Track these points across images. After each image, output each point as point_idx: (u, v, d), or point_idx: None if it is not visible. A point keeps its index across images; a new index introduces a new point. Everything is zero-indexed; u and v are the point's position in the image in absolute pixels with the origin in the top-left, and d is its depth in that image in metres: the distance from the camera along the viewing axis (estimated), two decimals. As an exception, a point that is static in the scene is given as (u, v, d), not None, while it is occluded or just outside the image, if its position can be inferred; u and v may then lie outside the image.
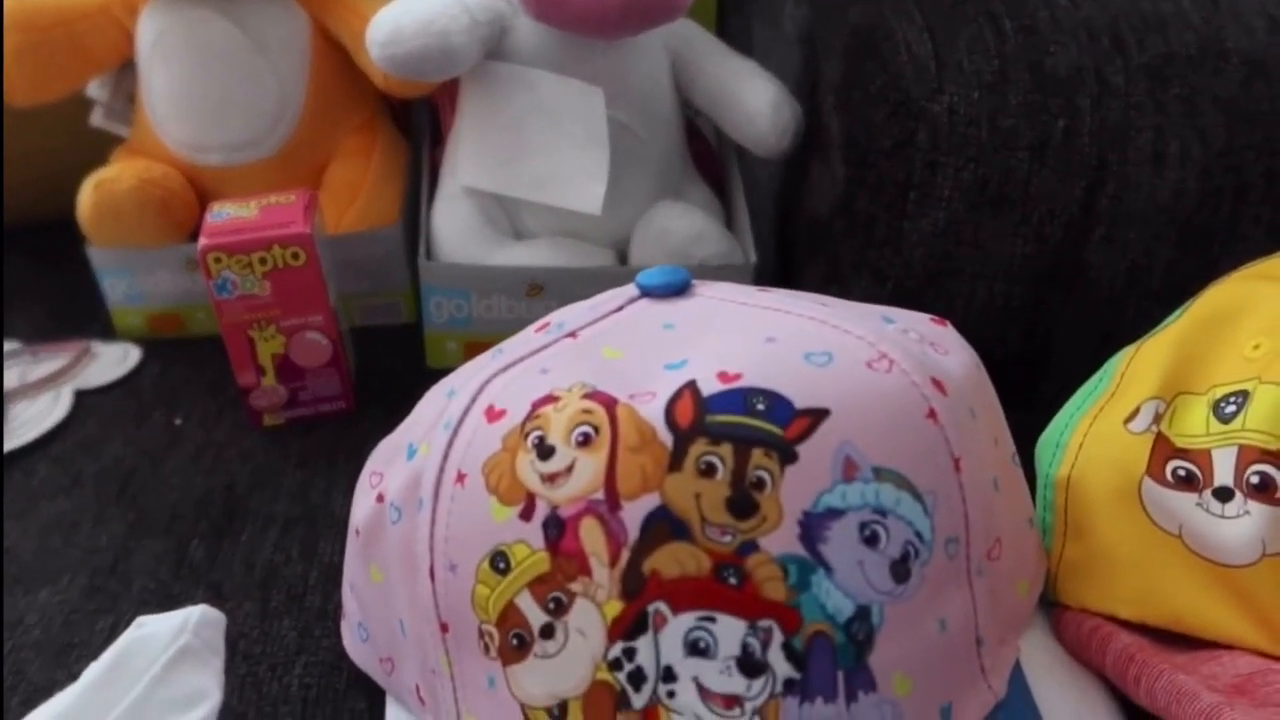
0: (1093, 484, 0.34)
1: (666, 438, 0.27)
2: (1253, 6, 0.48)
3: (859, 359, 0.28)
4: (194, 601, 0.34)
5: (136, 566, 0.44)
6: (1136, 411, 0.34)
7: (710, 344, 0.29)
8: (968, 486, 0.28)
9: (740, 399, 0.27)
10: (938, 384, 0.28)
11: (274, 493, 0.48)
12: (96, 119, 0.61)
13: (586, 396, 0.28)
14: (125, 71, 0.60)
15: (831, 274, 0.53)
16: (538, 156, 0.51)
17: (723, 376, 0.27)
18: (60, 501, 0.48)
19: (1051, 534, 0.35)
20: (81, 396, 0.55)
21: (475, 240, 0.53)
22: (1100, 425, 0.35)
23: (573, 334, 0.32)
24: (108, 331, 0.60)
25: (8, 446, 0.50)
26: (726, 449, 0.26)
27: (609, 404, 0.28)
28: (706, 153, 0.62)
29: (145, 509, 0.47)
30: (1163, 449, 0.33)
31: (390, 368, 0.57)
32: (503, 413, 0.29)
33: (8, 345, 0.59)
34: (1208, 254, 0.47)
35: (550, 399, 0.28)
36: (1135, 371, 0.36)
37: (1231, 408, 0.33)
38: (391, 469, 0.34)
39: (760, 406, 0.27)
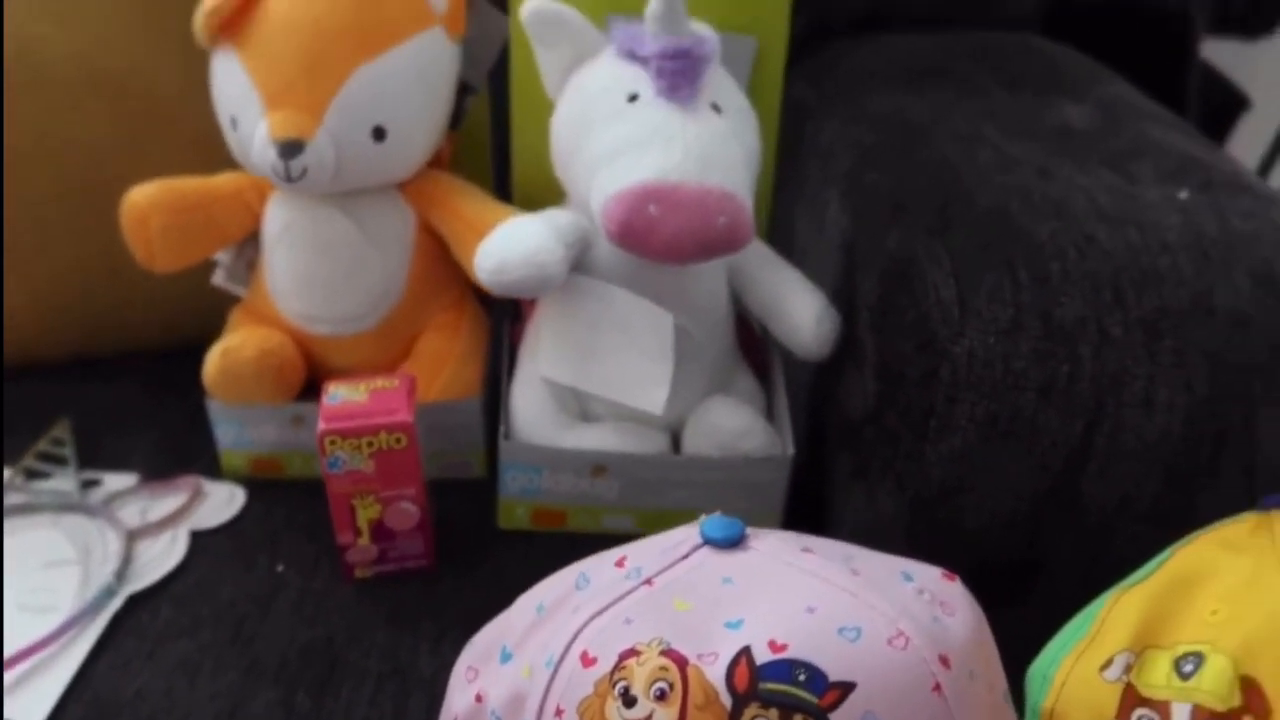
0: (1070, 720, 0.41)
1: (726, 700, 0.34)
2: (1242, 263, 0.56)
3: (882, 635, 0.35)
4: None
5: (252, 714, 0.51)
6: (1110, 661, 0.41)
7: (762, 605, 0.37)
8: (966, 743, 0.34)
9: (786, 669, 0.34)
10: (944, 659, 0.35)
11: (368, 647, 0.55)
12: (218, 279, 0.70)
13: (663, 653, 0.35)
14: (247, 242, 0.68)
15: (858, 472, 0.60)
16: (609, 359, 0.59)
17: (772, 645, 0.34)
18: (183, 643, 0.55)
19: (1038, 756, 0.42)
20: (195, 537, 0.62)
21: (549, 422, 0.61)
22: (1080, 668, 0.41)
23: (649, 581, 0.39)
24: (214, 466, 0.68)
25: (136, 587, 0.58)
26: (774, 713, 0.33)
27: (681, 663, 0.35)
28: (752, 339, 0.69)
29: (256, 655, 0.54)
30: (1130, 698, 0.40)
31: (465, 525, 0.64)
32: (595, 660, 0.36)
33: (127, 479, 0.67)
34: (1190, 489, 0.54)
35: (634, 652, 0.35)
36: (1112, 622, 0.42)
37: (1189, 666, 0.39)
38: (486, 668, 0.41)
39: (801, 677, 0.34)
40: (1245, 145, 1.30)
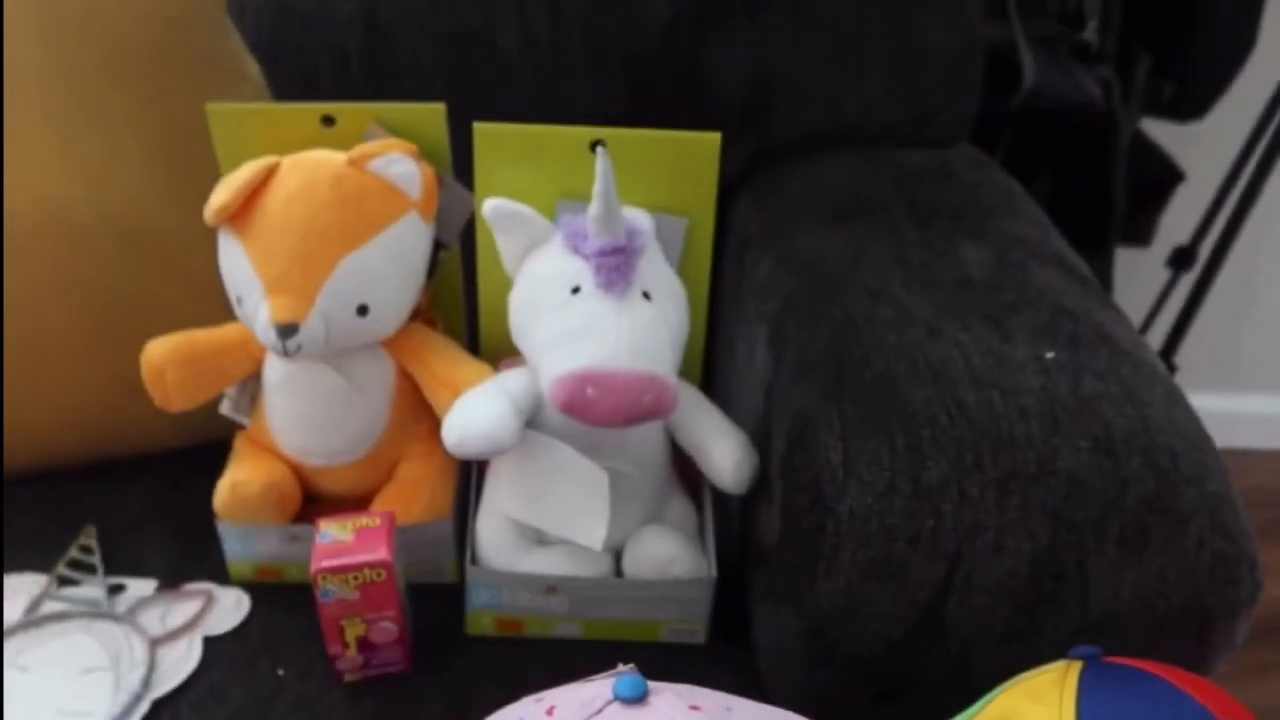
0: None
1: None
2: (1084, 428, 0.67)
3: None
4: None
5: (260, 810, 0.62)
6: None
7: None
8: None
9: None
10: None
11: (354, 746, 0.66)
12: (224, 408, 0.80)
13: (576, 800, 0.46)
14: (250, 379, 0.79)
15: (767, 593, 0.71)
16: (556, 501, 0.70)
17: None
18: (201, 745, 0.66)
19: None
20: (207, 642, 0.73)
21: (508, 547, 0.72)
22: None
23: (570, 732, 0.50)
24: (222, 567, 0.79)
25: (159, 692, 0.69)
26: None
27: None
28: (687, 463, 0.80)
29: (262, 755, 0.65)
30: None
31: (438, 626, 0.75)
32: (524, 805, 0.47)
33: (147, 584, 0.78)
34: (1035, 617, 0.65)
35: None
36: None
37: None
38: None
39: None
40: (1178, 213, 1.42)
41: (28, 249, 0.79)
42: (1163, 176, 1.47)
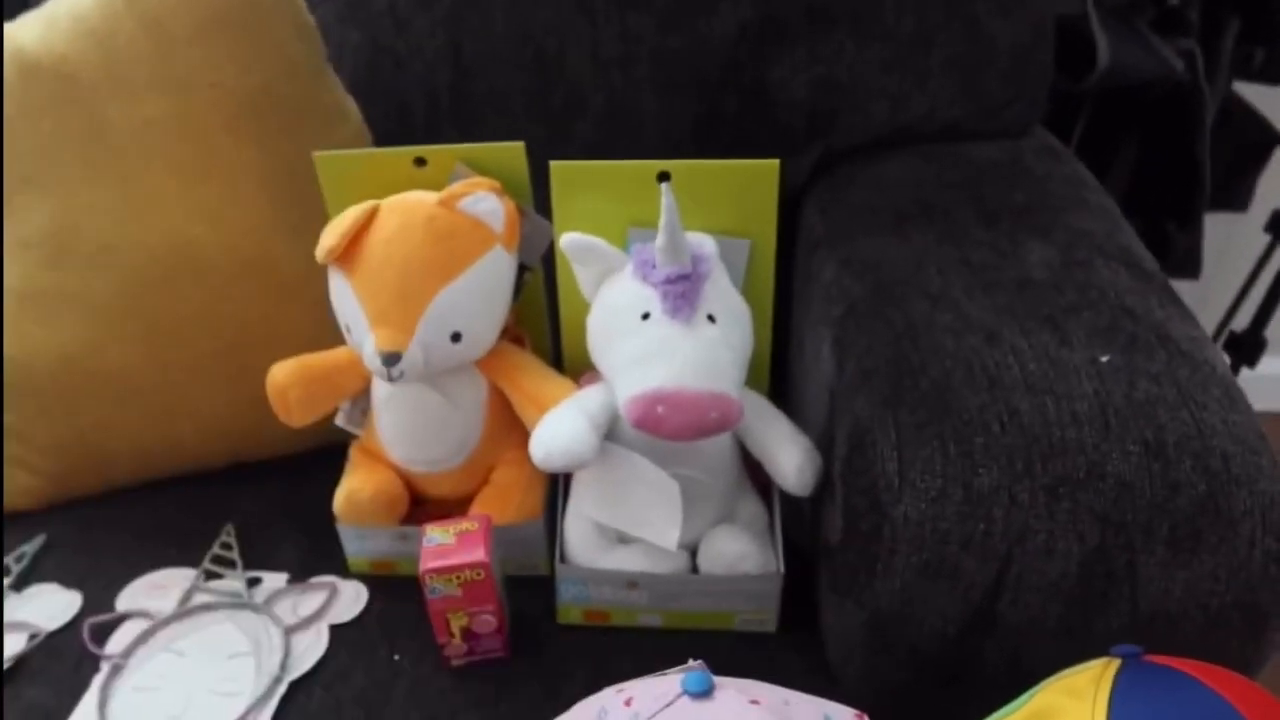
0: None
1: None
2: (1136, 432, 0.69)
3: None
4: None
5: (382, 781, 0.71)
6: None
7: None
8: None
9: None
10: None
11: (461, 725, 0.75)
12: (340, 420, 0.89)
13: (649, 787, 0.53)
14: (361, 395, 0.88)
15: (833, 586, 0.77)
16: (633, 506, 0.76)
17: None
18: (332, 723, 0.76)
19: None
20: (333, 630, 0.83)
21: (593, 547, 0.79)
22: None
23: (645, 724, 0.57)
24: (343, 562, 0.89)
25: (294, 674, 0.79)
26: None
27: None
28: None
29: (385, 734, 0.75)
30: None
31: (534, 615, 0.83)
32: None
33: (279, 577, 0.88)
34: (1086, 614, 0.69)
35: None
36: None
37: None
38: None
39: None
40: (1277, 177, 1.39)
41: (163, 282, 0.89)
42: (1260, 140, 1.44)
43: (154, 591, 0.87)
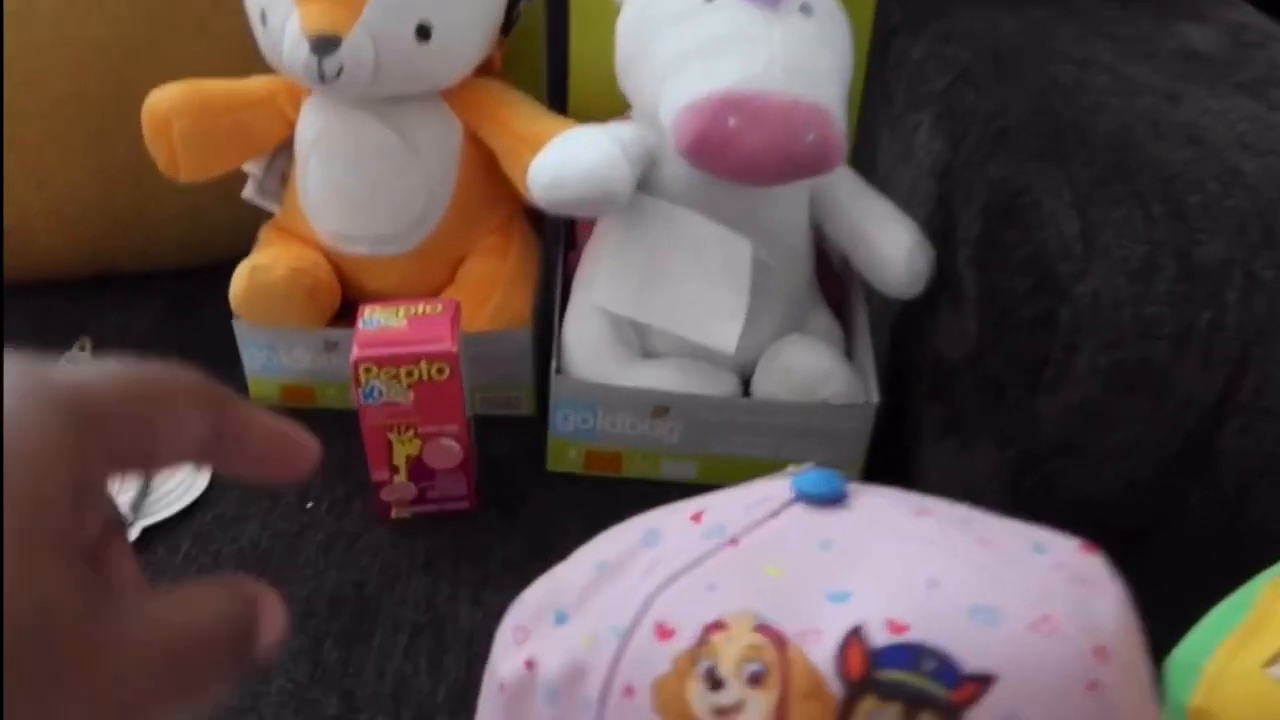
0: (1226, 720, 0.35)
1: (837, 688, 0.28)
2: None
3: (1024, 619, 0.29)
4: (328, 708, 0.36)
5: (276, 665, 0.46)
6: (1277, 656, 0.35)
7: (871, 576, 0.31)
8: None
9: (909, 655, 0.28)
10: (1100, 652, 0.29)
11: (402, 594, 0.50)
12: (248, 193, 0.64)
13: (757, 629, 0.29)
14: (280, 153, 0.62)
15: (951, 425, 0.54)
16: (676, 288, 0.52)
17: (891, 625, 0.29)
18: (202, 584, 0.50)
19: (1176, 758, 0.36)
20: (219, 468, 0.57)
21: (606, 358, 0.55)
22: (1240, 661, 0.35)
23: (733, 541, 0.33)
24: (241, 393, 0.63)
25: (154, 518, 0.53)
26: (895, 708, 0.27)
27: (778, 641, 0.29)
28: (828, 271, 0.63)
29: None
30: (1303, 700, 0.34)
31: (511, 466, 0.59)
32: (672, 632, 0.30)
33: (149, 404, 0.62)
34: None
35: (720, 625, 0.30)
36: (1274, 610, 0.36)
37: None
38: (538, 630, 0.36)
39: (929, 666, 0.28)
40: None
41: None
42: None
43: (-40, 412, 0.60)
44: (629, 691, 0.30)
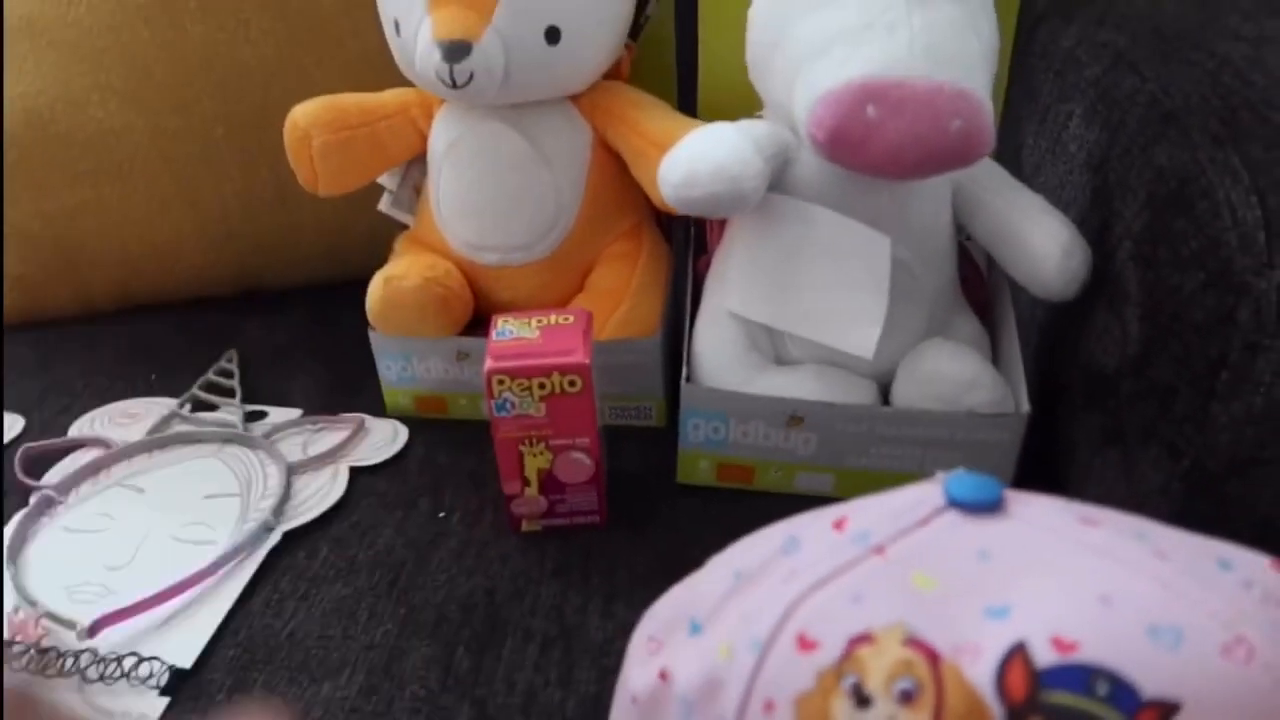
0: None
1: (996, 710, 0.25)
2: None
3: (1213, 642, 0.26)
4: (460, 717, 0.35)
5: (408, 669, 0.46)
6: None
7: (1034, 590, 0.28)
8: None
9: (1079, 677, 0.25)
10: (1303, 681, 0.26)
11: (532, 604, 0.49)
12: (384, 205, 0.65)
13: (907, 643, 0.27)
14: (414, 165, 0.64)
15: (1112, 437, 0.50)
16: (812, 292, 0.50)
17: (1057, 644, 0.26)
18: (339, 587, 0.51)
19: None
20: (355, 473, 0.58)
21: (738, 365, 0.54)
22: None
23: (879, 549, 0.31)
24: (378, 405, 0.64)
25: (294, 523, 0.54)
26: (1064, 735, 0.25)
27: (931, 657, 0.27)
28: (972, 275, 0.59)
29: (414, 606, 0.50)
30: None
31: (640, 478, 0.57)
32: (815, 644, 0.28)
33: (290, 413, 0.64)
34: None
35: (867, 638, 0.28)
36: None
37: None
38: (672, 641, 0.34)
39: (1102, 690, 0.25)
40: None
41: (159, 8, 0.66)
42: None
43: (121, 420, 0.64)
44: (769, 707, 0.28)
